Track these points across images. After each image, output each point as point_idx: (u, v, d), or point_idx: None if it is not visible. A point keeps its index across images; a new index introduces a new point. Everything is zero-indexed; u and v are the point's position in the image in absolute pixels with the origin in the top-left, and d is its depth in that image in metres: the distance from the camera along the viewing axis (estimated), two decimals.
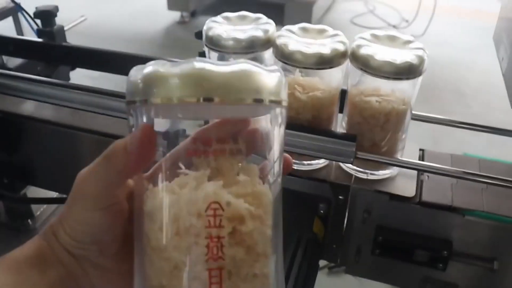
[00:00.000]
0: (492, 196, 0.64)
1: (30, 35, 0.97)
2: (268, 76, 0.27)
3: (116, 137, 0.73)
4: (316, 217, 0.67)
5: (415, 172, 0.67)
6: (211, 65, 0.26)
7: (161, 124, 0.29)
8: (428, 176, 0.67)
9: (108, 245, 0.31)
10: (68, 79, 0.96)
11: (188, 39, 3.04)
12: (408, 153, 0.68)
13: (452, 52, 2.76)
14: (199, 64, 0.26)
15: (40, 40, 0.89)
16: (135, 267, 0.30)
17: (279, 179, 0.30)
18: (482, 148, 1.89)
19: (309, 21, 0.66)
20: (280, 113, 0.29)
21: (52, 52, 0.88)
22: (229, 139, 0.29)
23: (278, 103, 0.28)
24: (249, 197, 0.27)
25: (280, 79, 0.28)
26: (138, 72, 0.27)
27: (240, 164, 0.29)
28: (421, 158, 0.71)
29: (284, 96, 0.28)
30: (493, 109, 2.16)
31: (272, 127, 0.29)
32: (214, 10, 3.28)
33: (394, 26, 3.02)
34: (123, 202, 0.31)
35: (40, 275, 0.30)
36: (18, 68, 0.93)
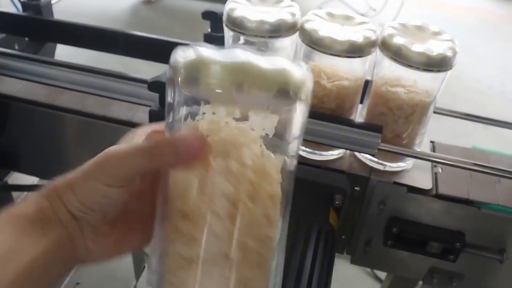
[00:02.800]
0: (505, 189, 0.65)
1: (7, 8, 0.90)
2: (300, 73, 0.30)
3: (104, 118, 0.69)
4: (331, 208, 0.66)
5: (429, 164, 0.67)
6: (253, 56, 0.29)
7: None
8: (441, 168, 0.67)
9: (111, 214, 0.34)
10: (54, 57, 0.90)
11: (155, 18, 2.93)
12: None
13: None
14: (242, 54, 0.29)
15: (25, 14, 0.82)
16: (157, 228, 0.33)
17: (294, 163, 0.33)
18: (448, 136, 1.94)
19: None
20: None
21: (40, 27, 0.81)
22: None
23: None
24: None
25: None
26: (184, 54, 0.29)
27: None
28: (432, 150, 0.71)
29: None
30: (461, 100, 2.22)
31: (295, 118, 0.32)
32: None
33: (362, 15, 3.03)
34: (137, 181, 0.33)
35: (40, 234, 0.31)
36: None
